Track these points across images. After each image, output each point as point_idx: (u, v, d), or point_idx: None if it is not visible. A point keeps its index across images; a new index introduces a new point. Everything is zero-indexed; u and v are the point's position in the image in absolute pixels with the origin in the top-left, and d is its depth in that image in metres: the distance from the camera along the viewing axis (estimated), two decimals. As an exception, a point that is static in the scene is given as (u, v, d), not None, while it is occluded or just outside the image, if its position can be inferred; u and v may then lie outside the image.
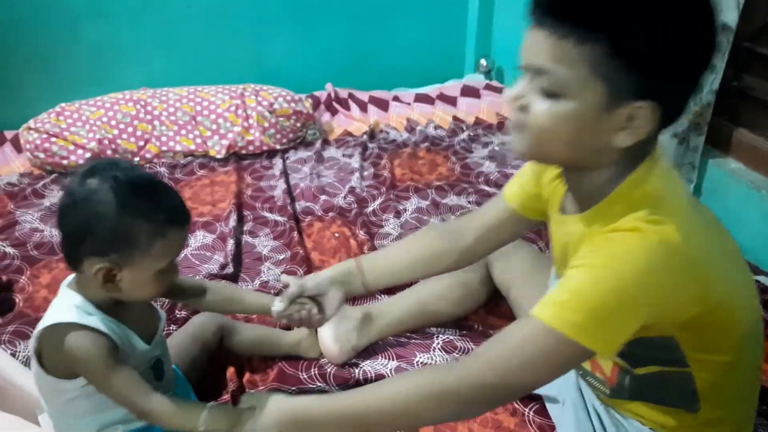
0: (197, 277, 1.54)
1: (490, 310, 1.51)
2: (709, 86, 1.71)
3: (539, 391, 1.22)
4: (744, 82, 1.78)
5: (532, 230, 1.60)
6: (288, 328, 1.42)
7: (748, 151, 1.74)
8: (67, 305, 0.98)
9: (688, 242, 0.81)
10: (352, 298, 1.44)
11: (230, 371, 1.30)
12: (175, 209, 0.98)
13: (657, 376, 0.96)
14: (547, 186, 1.05)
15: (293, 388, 1.27)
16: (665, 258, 0.80)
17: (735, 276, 0.92)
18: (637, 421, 1.03)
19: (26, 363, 1.33)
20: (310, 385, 1.29)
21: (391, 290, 1.49)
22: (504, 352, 0.86)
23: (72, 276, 1.03)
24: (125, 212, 0.92)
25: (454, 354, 1.37)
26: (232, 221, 1.85)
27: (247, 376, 1.31)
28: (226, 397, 1.25)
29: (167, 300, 1.45)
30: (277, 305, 1.15)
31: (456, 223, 1.23)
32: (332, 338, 1.34)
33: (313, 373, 1.32)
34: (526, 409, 1.23)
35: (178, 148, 2.23)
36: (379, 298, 1.53)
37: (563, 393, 1.17)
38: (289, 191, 2.06)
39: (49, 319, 0.97)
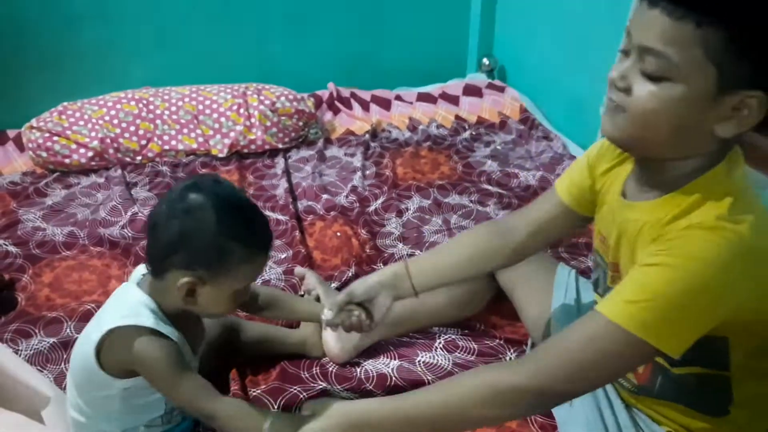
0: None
1: (492, 310, 1.50)
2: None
3: None
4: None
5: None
6: (291, 326, 1.42)
7: (752, 153, 1.73)
8: (142, 308, 1.00)
9: (765, 241, 0.81)
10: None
11: (233, 372, 1.30)
12: (266, 236, 1.02)
13: (695, 377, 0.94)
14: (602, 177, 1.04)
15: (295, 388, 1.27)
16: (743, 259, 0.79)
17: None
18: (657, 424, 1.02)
19: (29, 360, 1.33)
20: (312, 384, 1.29)
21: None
22: (572, 349, 0.85)
23: (141, 274, 1.05)
24: (223, 232, 0.95)
25: (456, 353, 1.37)
26: (234, 220, 1.85)
27: (249, 376, 1.31)
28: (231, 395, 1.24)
29: None
30: (327, 314, 1.16)
31: (507, 220, 1.22)
32: (334, 338, 1.34)
33: (315, 372, 1.32)
34: (528, 409, 1.22)
35: (180, 147, 2.23)
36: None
37: None
38: (291, 190, 2.06)
39: (123, 318, 0.98)
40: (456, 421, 0.92)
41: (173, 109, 2.26)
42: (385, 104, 2.65)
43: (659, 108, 0.80)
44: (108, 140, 2.16)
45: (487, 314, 1.50)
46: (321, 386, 1.28)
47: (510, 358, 1.35)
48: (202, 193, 0.95)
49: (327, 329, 1.33)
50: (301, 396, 1.25)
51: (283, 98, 2.33)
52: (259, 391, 1.26)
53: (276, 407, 1.22)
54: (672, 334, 0.81)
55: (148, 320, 0.98)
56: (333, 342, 1.34)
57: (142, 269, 1.06)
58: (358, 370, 1.33)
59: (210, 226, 0.94)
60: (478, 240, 1.21)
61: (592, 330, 0.84)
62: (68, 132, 2.14)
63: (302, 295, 1.50)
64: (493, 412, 0.91)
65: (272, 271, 1.65)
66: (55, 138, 2.13)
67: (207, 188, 0.96)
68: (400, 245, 1.78)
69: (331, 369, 1.33)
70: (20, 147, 2.26)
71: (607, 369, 0.85)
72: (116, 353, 0.98)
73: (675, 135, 0.83)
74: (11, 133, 2.32)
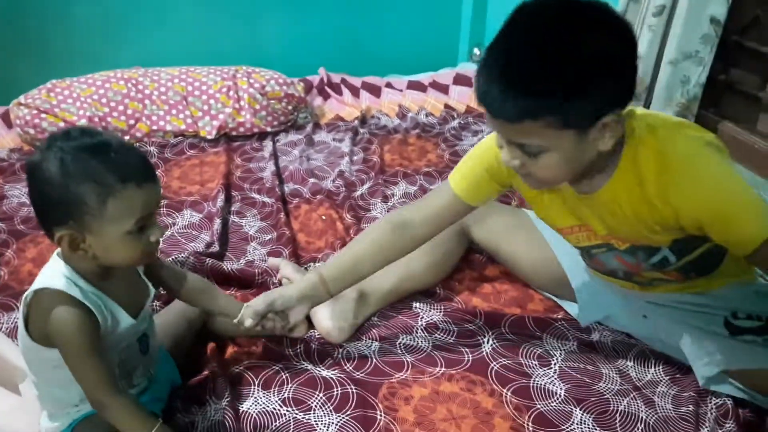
0: (182, 255, 1.54)
1: (474, 292, 1.54)
2: (697, 79, 1.72)
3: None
4: (731, 75, 1.80)
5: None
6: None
7: (733, 144, 1.76)
8: (55, 273, 0.99)
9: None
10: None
11: (210, 348, 1.31)
12: (127, 167, 0.94)
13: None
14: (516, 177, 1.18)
15: (277, 365, 1.29)
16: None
17: None
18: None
19: (9, 334, 1.33)
20: (294, 362, 1.30)
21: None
22: None
23: None
24: (69, 177, 0.92)
25: (436, 335, 1.39)
26: (220, 201, 1.85)
27: (231, 353, 1.32)
28: (206, 373, 1.25)
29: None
30: (248, 322, 1.22)
31: (403, 214, 1.35)
32: (330, 319, 1.36)
33: (299, 349, 1.34)
34: (504, 389, 1.25)
35: (168, 127, 2.23)
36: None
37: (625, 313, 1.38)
38: (278, 173, 2.06)
39: (37, 283, 0.98)
40: None
41: (162, 89, 2.26)
42: (376, 91, 2.65)
43: (556, 170, 1.03)
44: (96, 119, 2.15)
45: (468, 295, 1.52)
46: (303, 366, 1.30)
47: (488, 340, 1.37)
48: (49, 147, 0.93)
49: (322, 312, 1.37)
50: (283, 374, 1.26)
51: (272, 82, 2.33)
52: (241, 368, 1.27)
53: (257, 384, 1.24)
54: None
55: (58, 282, 0.96)
56: (330, 324, 1.36)
57: None
58: (340, 350, 1.34)
59: (55, 176, 0.91)
60: (380, 238, 1.34)
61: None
62: (56, 110, 2.14)
63: (279, 283, 1.51)
64: None
65: (256, 252, 1.66)
66: (43, 115, 2.12)
67: (55, 141, 0.94)
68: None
69: (314, 347, 1.35)
70: (8, 123, 2.25)
71: None
72: (37, 321, 0.98)
73: (574, 170, 1.05)
74: (-1, 109, 2.31)
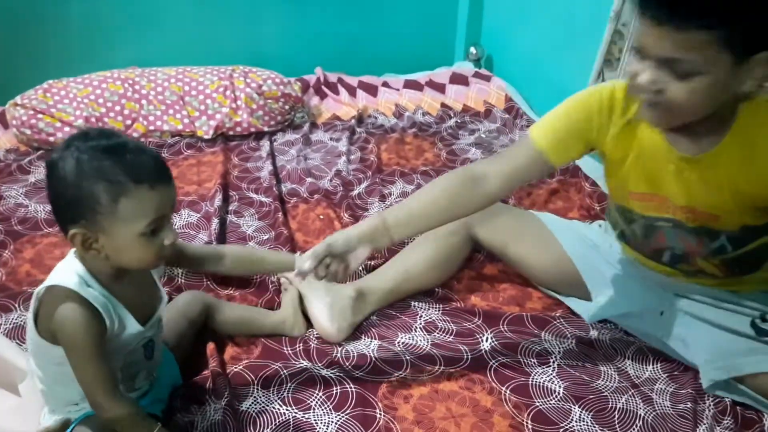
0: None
1: (471, 289, 1.55)
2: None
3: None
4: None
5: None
6: (271, 307, 1.44)
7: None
8: (69, 271, 0.99)
9: None
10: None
11: (210, 348, 1.31)
12: (140, 167, 0.94)
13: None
14: (613, 140, 1.18)
15: (277, 364, 1.29)
16: None
17: None
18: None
19: (8, 335, 1.33)
20: (293, 361, 1.30)
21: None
22: None
23: None
24: (83, 176, 0.92)
25: (435, 334, 1.40)
26: (218, 201, 1.85)
27: (230, 352, 1.32)
28: (207, 373, 1.25)
29: (182, 269, 1.47)
30: (307, 264, 1.14)
31: (478, 168, 1.26)
32: (328, 319, 1.36)
33: (298, 348, 1.34)
34: (503, 387, 1.25)
35: (165, 127, 2.23)
36: (362, 273, 1.55)
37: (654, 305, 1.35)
38: (275, 173, 2.06)
39: (50, 280, 0.99)
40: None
41: (159, 89, 2.25)
42: (372, 90, 2.65)
43: (698, 98, 0.99)
44: (93, 119, 2.15)
45: (466, 294, 1.53)
46: (302, 365, 1.30)
47: (487, 339, 1.38)
48: (67, 148, 0.94)
49: (320, 311, 1.36)
50: (282, 373, 1.26)
51: (269, 81, 2.33)
52: (240, 367, 1.27)
53: (256, 384, 1.24)
54: None
55: (71, 281, 0.96)
56: (328, 324, 1.36)
57: None
58: (339, 349, 1.34)
59: (70, 175, 0.92)
60: (451, 188, 1.24)
61: None
62: (53, 110, 2.13)
63: (278, 282, 1.51)
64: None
65: (255, 252, 1.66)
66: (40, 116, 2.12)
67: (73, 142, 0.95)
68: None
69: (313, 345, 1.35)
70: (4, 124, 2.25)
71: None
72: (46, 317, 0.98)
73: (711, 107, 1.03)
74: (-5, 110, 2.30)
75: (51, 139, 2.12)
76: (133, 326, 1.03)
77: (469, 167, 1.28)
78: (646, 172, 1.20)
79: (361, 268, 1.52)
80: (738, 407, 1.21)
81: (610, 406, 1.23)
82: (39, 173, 1.99)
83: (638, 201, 1.25)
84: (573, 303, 1.47)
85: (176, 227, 1.76)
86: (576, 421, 1.19)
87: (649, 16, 0.96)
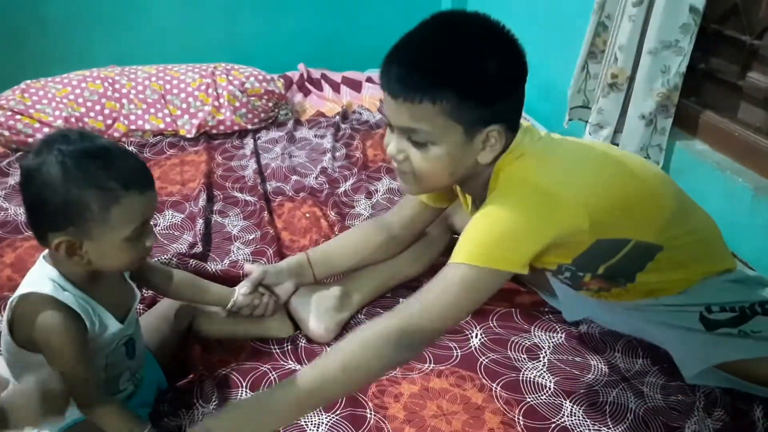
0: (165, 257, 1.52)
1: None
2: (677, 68, 1.72)
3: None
4: (711, 64, 1.80)
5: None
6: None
7: (713, 133, 1.77)
8: (42, 277, 0.97)
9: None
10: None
11: (196, 350, 1.29)
12: (130, 173, 0.94)
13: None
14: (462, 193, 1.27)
15: (265, 366, 1.27)
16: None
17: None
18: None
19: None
20: (282, 363, 1.29)
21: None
22: None
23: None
24: (71, 183, 0.90)
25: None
26: (202, 201, 1.83)
27: (217, 355, 1.31)
28: (194, 376, 1.24)
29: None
30: (243, 289, 1.29)
31: (385, 218, 1.47)
32: (315, 319, 1.36)
33: (286, 349, 1.33)
34: (494, 384, 1.24)
35: (147, 126, 2.20)
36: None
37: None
38: (260, 171, 2.04)
39: (23, 287, 0.96)
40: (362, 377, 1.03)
41: (140, 88, 2.22)
42: (356, 86, 2.64)
43: (433, 166, 1.06)
44: (72, 119, 2.12)
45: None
46: (291, 366, 1.28)
47: (476, 335, 1.37)
48: (48, 150, 0.91)
49: (306, 313, 1.37)
50: (270, 375, 1.25)
51: (252, 78, 2.30)
52: (228, 370, 1.26)
53: (245, 386, 1.22)
54: None
55: (46, 287, 0.94)
56: (315, 324, 1.36)
57: None
58: (328, 349, 1.33)
59: (56, 181, 0.90)
60: (365, 233, 1.46)
61: None
62: (31, 111, 2.09)
63: None
64: (395, 356, 1.01)
65: (240, 252, 1.64)
66: (18, 117, 2.08)
67: (53, 143, 0.92)
68: (370, 226, 1.78)
69: (301, 346, 1.34)
70: (-19, 126, 2.20)
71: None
72: (22, 325, 0.96)
73: (453, 174, 1.09)
74: (-28, 111, 2.25)
75: (30, 140, 2.08)
76: (113, 325, 1.02)
77: (380, 217, 1.50)
78: None
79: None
80: (728, 397, 1.21)
81: (601, 400, 1.22)
82: (18, 175, 1.95)
83: None
84: (555, 302, 1.47)
85: (160, 228, 1.74)
86: (567, 416, 1.19)
87: (386, 90, 1.03)
